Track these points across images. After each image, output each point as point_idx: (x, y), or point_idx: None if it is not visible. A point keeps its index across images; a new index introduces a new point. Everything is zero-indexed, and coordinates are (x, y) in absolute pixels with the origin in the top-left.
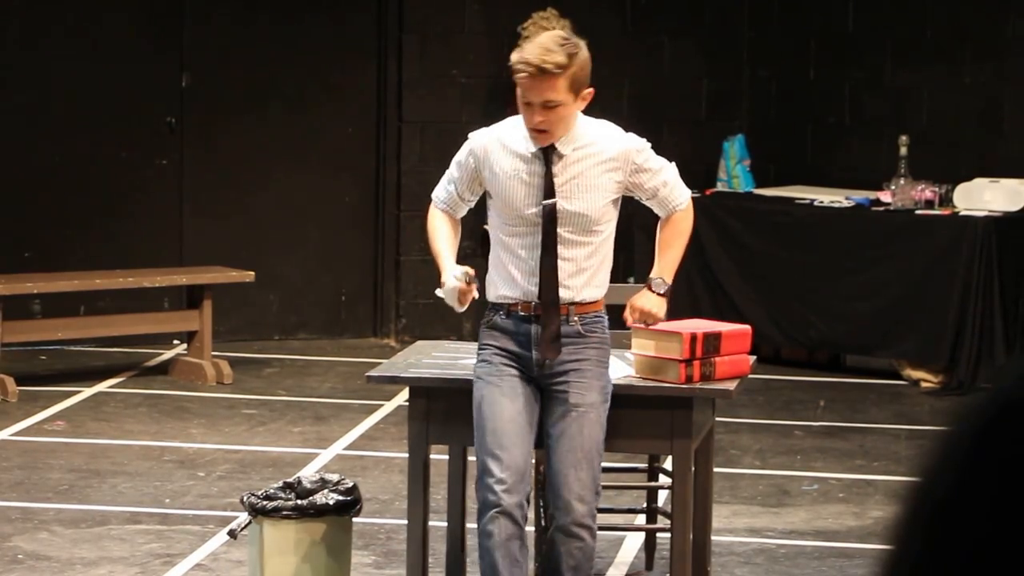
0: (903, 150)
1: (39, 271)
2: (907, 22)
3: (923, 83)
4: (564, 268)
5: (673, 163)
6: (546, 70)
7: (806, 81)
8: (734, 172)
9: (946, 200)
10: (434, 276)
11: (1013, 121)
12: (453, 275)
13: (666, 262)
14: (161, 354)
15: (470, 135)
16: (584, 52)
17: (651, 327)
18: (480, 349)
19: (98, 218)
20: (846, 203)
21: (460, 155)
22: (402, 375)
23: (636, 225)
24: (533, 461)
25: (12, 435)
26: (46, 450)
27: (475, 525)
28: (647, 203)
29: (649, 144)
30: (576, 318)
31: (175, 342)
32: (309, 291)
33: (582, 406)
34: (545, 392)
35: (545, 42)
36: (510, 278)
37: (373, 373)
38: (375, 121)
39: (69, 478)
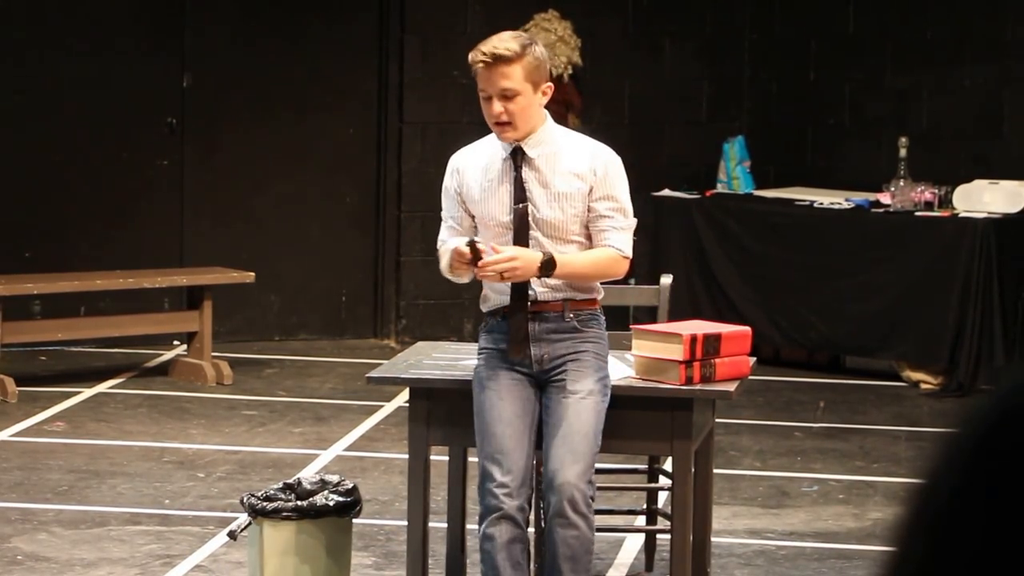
0: (903, 152)
1: (39, 271)
2: (907, 24)
3: (923, 85)
4: None
5: (635, 220)
6: (499, 55)
7: (806, 82)
8: (734, 173)
9: (945, 202)
10: (435, 278)
11: (1012, 123)
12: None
13: (575, 260)
14: (161, 355)
15: (450, 158)
16: (539, 48)
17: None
18: (479, 353)
19: (99, 219)
20: (846, 204)
21: (445, 181)
22: (402, 376)
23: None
24: (534, 463)
25: (12, 436)
26: (46, 451)
27: (475, 526)
28: (590, 223)
29: (620, 161)
30: (572, 314)
31: (175, 343)
32: (309, 292)
33: (579, 392)
34: (545, 386)
35: (500, 35)
36: (499, 288)
37: (373, 374)
38: (376, 122)
39: (69, 479)
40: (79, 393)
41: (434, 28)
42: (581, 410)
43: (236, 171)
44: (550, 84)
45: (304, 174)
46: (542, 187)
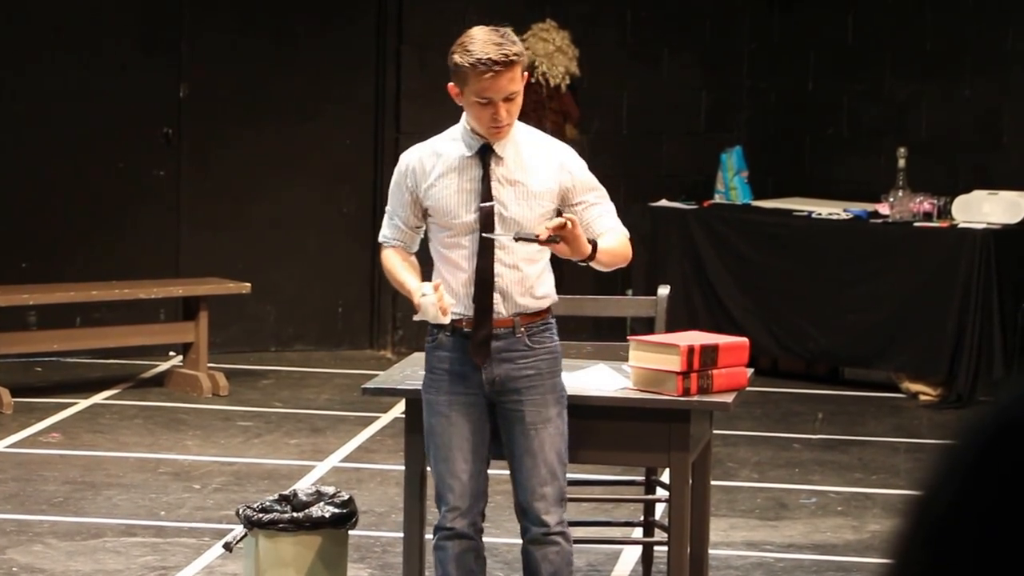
0: (901, 162)
1: (35, 282)
2: (906, 34)
3: (922, 95)
4: (506, 275)
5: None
6: (512, 61)
7: (805, 93)
8: (732, 184)
9: (944, 212)
10: None
11: (1011, 133)
12: (421, 292)
13: (607, 244)
14: (157, 366)
15: (401, 155)
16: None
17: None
18: (427, 372)
19: (95, 229)
20: (844, 215)
21: (395, 178)
22: (398, 387)
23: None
24: (489, 471)
25: (7, 447)
26: (41, 462)
27: None
28: (582, 214)
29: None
30: (523, 329)
31: (171, 354)
32: (306, 302)
33: (540, 423)
34: (499, 409)
35: (491, 37)
36: (452, 292)
37: (369, 385)
38: (373, 132)
39: (64, 490)
40: (74, 404)
41: (431, 38)
42: (544, 440)
43: (232, 181)
44: (525, 73)
45: (301, 184)
46: (511, 185)
